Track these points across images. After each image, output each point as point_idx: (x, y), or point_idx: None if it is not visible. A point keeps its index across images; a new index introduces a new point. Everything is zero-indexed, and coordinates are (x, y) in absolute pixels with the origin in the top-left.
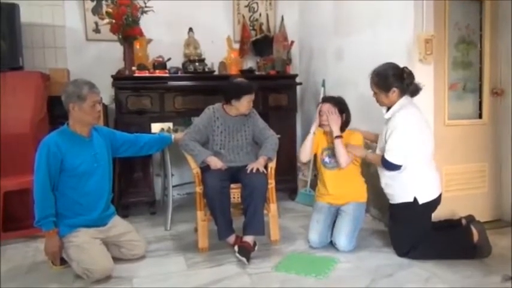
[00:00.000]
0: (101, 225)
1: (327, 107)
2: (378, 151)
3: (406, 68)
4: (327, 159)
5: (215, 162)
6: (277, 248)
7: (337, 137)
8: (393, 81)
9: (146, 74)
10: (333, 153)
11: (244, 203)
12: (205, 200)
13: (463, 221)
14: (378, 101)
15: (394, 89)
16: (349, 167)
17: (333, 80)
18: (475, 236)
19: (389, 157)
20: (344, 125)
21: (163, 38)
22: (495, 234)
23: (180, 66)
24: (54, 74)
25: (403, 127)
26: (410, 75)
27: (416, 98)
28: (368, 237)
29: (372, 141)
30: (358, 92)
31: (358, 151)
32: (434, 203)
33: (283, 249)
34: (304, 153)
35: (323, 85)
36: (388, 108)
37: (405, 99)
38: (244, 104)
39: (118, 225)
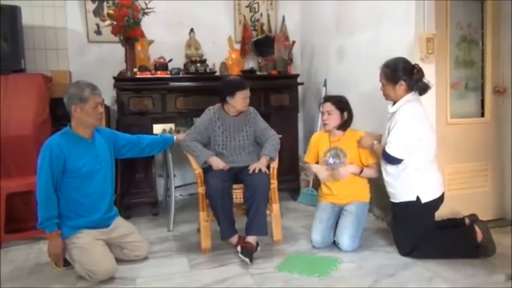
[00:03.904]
0: (103, 226)
1: (328, 106)
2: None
3: (417, 64)
4: (331, 161)
5: (217, 163)
6: (279, 248)
7: (360, 173)
8: (402, 74)
9: (148, 75)
10: (336, 154)
11: (246, 204)
12: (207, 200)
13: (467, 220)
14: (384, 94)
15: (402, 82)
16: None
17: (335, 80)
18: (479, 236)
19: (390, 150)
20: (345, 124)
21: (165, 39)
22: (498, 233)
23: (182, 67)
24: (56, 76)
25: (406, 121)
26: (420, 72)
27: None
28: (371, 236)
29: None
30: (359, 91)
31: (366, 141)
32: (437, 202)
33: (285, 250)
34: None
35: (325, 85)
36: (394, 103)
37: (412, 95)
38: (239, 100)
39: (121, 226)
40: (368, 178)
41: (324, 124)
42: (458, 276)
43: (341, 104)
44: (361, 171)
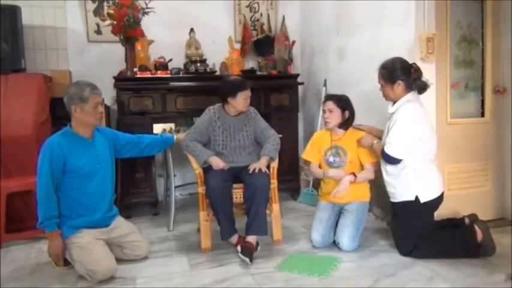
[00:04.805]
0: (103, 226)
1: (330, 104)
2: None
3: (415, 63)
4: (331, 159)
5: (217, 163)
6: (279, 248)
7: (353, 178)
8: (400, 74)
9: (148, 75)
10: (337, 152)
11: (246, 203)
12: (207, 200)
13: (467, 220)
14: (384, 94)
15: (400, 81)
16: (353, 167)
17: (335, 80)
18: (479, 235)
19: (389, 150)
20: (347, 123)
21: (165, 38)
22: (498, 233)
23: (182, 66)
24: (56, 76)
25: (405, 120)
26: (418, 71)
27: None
28: (371, 236)
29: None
30: (360, 91)
31: (366, 140)
32: (436, 201)
33: (286, 249)
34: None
35: (324, 85)
36: (394, 104)
37: (411, 95)
38: (240, 101)
39: (121, 226)
40: (365, 180)
41: (325, 122)
42: (458, 276)
43: (342, 102)
44: (354, 176)
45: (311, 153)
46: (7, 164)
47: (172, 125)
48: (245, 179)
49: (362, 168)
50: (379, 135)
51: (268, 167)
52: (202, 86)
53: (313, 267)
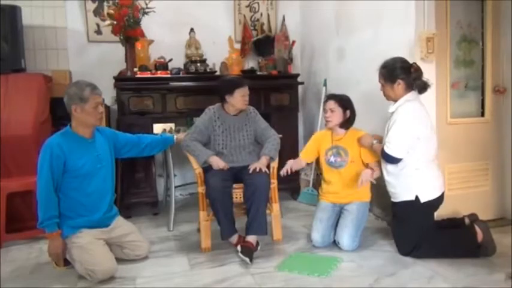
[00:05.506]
0: (104, 225)
1: (331, 104)
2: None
3: (415, 63)
4: (332, 159)
5: (217, 162)
6: (279, 248)
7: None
8: (399, 73)
9: (148, 75)
10: (338, 152)
11: (246, 203)
12: (207, 200)
13: (467, 220)
14: (385, 94)
15: (400, 81)
16: (355, 167)
17: (335, 80)
18: (479, 235)
19: (389, 149)
20: (348, 123)
21: (165, 38)
22: (498, 233)
23: (182, 66)
24: (56, 76)
25: (404, 120)
26: (418, 70)
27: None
28: (371, 236)
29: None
30: (360, 91)
31: (366, 139)
32: (437, 201)
33: (286, 249)
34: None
35: (324, 84)
36: (395, 103)
37: (412, 95)
38: (238, 98)
39: (121, 225)
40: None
41: (327, 121)
42: (458, 276)
43: (344, 102)
44: (372, 170)
45: (308, 151)
46: (7, 164)
47: (172, 125)
48: (245, 178)
49: (365, 167)
50: (379, 140)
51: (268, 166)
52: (202, 86)
53: (313, 267)
